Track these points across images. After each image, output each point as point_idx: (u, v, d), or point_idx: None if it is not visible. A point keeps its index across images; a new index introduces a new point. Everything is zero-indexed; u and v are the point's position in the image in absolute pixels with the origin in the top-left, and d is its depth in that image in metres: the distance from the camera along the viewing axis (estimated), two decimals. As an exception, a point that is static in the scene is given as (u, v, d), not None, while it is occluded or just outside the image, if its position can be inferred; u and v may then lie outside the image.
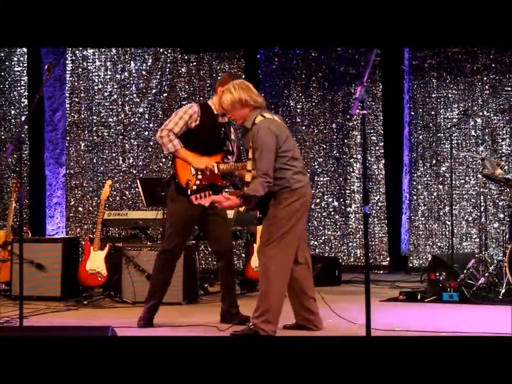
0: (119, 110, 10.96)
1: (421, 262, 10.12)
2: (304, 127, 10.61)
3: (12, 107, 11.08)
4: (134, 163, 10.89)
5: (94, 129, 11.02)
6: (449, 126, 9.29)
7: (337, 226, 10.51)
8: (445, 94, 10.09)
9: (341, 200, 10.49)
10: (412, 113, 10.26)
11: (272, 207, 5.48)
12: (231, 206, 5.51)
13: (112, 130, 10.96)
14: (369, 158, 10.23)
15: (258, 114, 5.52)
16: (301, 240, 5.68)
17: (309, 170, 10.05)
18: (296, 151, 5.60)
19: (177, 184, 6.09)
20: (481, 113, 9.88)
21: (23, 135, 8.82)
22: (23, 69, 11.04)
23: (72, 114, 11.06)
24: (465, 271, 7.52)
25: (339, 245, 10.48)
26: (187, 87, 10.84)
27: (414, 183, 10.23)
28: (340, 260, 10.04)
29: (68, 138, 11.07)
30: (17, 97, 11.07)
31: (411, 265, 10.20)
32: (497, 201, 9.73)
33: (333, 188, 10.54)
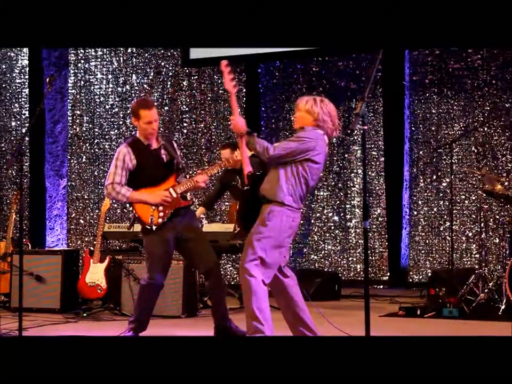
0: (120, 122, 10.99)
1: (420, 277, 10.11)
2: (304, 142, 10.62)
3: (13, 119, 11.12)
4: (134, 176, 10.90)
5: (96, 141, 11.05)
6: (449, 142, 9.30)
7: (338, 241, 10.51)
8: (445, 109, 10.11)
9: (341, 214, 10.50)
10: (413, 128, 10.28)
11: (258, 222, 5.44)
12: (237, 127, 5.45)
13: (113, 143, 10.99)
14: (369, 173, 10.24)
15: (314, 128, 5.52)
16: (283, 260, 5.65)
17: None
18: (313, 182, 5.51)
19: (143, 224, 6.05)
20: (481, 129, 9.90)
21: (23, 147, 8.84)
22: (25, 81, 11.08)
23: (74, 126, 11.10)
24: (465, 287, 7.51)
25: (339, 260, 10.48)
26: (188, 100, 10.88)
27: (414, 198, 10.24)
28: (340, 275, 10.04)
29: (70, 150, 11.10)
30: (18, 109, 11.11)
31: (411, 280, 10.20)
32: (497, 217, 9.73)
33: (333, 202, 10.55)
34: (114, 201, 6.35)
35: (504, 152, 9.82)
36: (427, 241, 10.16)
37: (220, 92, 10.78)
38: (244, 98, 10.70)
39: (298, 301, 5.63)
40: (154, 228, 5.96)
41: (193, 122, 10.92)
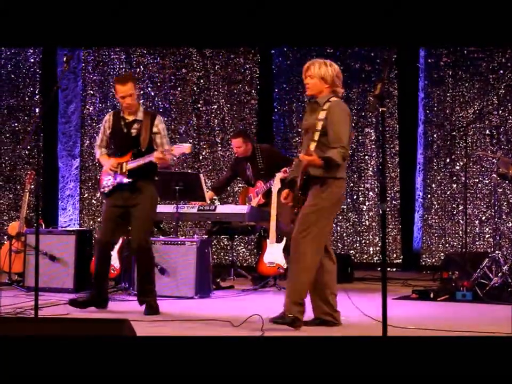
0: (134, 103, 10.95)
1: (433, 260, 10.09)
2: (318, 124, 10.58)
3: (27, 98, 11.09)
4: (147, 156, 10.89)
5: (108, 122, 11.02)
6: (465, 125, 9.25)
7: (351, 224, 10.49)
8: (460, 92, 10.05)
9: (355, 197, 10.47)
10: (427, 111, 10.22)
11: (313, 194, 5.44)
12: (311, 162, 5.33)
13: (126, 123, 10.96)
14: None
15: (334, 95, 5.57)
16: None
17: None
18: (348, 143, 5.58)
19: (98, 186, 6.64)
20: (496, 113, 9.84)
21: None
22: (38, 60, 11.05)
23: (87, 107, 11.08)
24: (478, 271, 7.49)
25: (352, 242, 10.46)
26: (202, 81, 10.84)
27: (428, 181, 10.20)
28: (353, 257, 10.03)
29: (83, 131, 11.09)
30: (31, 89, 11.08)
31: (423, 263, 10.18)
32: (511, 200, 9.69)
33: (346, 184, 10.50)
34: None
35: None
36: (440, 225, 10.13)
37: (234, 73, 10.74)
38: (258, 80, 10.67)
39: (329, 282, 5.65)
40: (106, 191, 6.43)
41: (206, 104, 10.88)
